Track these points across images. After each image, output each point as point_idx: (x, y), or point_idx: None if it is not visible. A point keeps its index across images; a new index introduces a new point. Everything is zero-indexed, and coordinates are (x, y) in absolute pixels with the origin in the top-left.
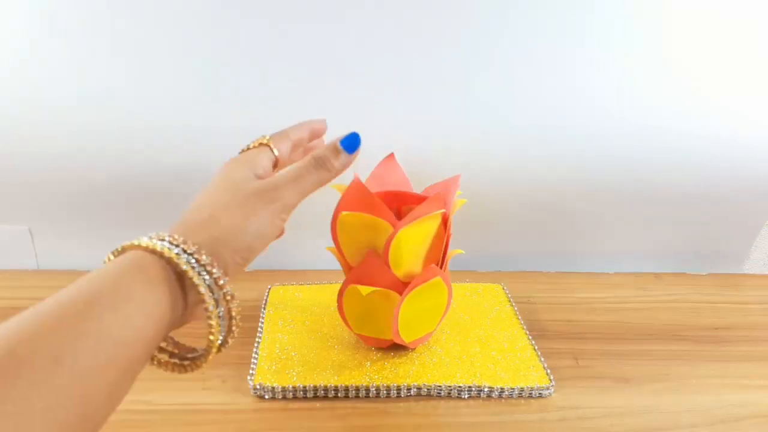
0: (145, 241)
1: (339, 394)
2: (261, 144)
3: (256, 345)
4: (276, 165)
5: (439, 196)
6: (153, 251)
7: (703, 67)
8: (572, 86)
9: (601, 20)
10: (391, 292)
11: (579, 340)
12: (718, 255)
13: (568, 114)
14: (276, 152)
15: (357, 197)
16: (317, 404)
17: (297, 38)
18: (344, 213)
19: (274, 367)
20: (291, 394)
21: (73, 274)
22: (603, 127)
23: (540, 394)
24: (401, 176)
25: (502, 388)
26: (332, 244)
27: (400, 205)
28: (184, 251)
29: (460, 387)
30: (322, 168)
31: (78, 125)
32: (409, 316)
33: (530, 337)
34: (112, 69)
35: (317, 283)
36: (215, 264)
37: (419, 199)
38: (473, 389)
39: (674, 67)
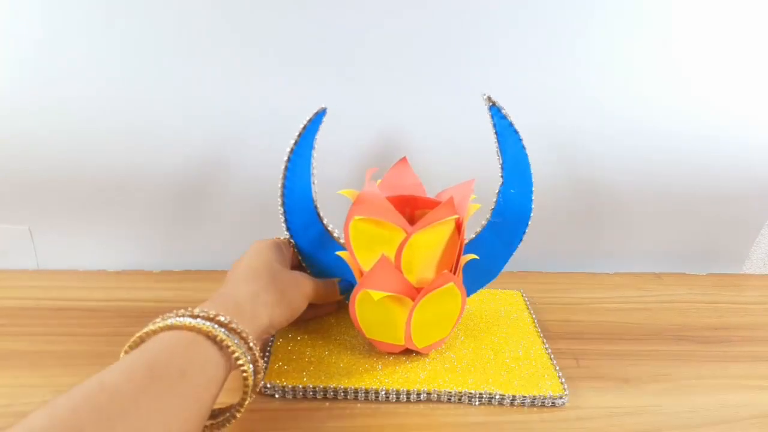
0: (195, 324)
1: (349, 397)
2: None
3: (269, 344)
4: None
5: (452, 201)
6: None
7: (703, 66)
8: (574, 86)
9: (608, 20)
10: (404, 297)
11: (579, 341)
12: (718, 255)
13: (570, 114)
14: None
15: (370, 202)
16: (326, 404)
17: (307, 37)
18: (357, 218)
19: (285, 367)
20: (301, 393)
21: (74, 274)
22: (602, 127)
23: (553, 403)
24: (414, 180)
25: (513, 396)
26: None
27: (413, 209)
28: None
29: (471, 393)
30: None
31: (78, 124)
32: (422, 323)
33: (546, 346)
34: (113, 67)
35: None
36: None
37: (432, 204)
38: (484, 396)
39: (673, 65)
